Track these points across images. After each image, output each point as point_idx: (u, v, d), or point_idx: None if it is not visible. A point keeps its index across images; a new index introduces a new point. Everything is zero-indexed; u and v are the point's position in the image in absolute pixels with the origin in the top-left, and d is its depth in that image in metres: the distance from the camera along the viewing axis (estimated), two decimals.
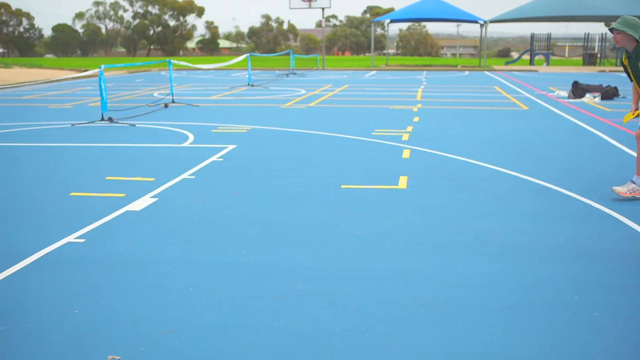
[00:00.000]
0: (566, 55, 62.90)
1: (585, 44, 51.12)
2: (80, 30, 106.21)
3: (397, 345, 3.75)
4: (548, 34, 49.76)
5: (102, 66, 13.86)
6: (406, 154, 9.74)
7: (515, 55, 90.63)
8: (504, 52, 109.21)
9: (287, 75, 33.81)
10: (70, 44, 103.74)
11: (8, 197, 7.28)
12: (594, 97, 18.45)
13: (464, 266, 4.98)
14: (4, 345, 3.80)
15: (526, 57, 54.17)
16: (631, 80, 6.92)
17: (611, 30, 6.68)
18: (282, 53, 42.36)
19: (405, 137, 11.40)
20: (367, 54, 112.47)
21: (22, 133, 12.27)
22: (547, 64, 48.65)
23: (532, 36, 49.82)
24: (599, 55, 50.07)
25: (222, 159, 9.36)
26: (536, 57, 50.08)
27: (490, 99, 19.18)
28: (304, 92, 22.27)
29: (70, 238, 5.74)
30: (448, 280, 4.72)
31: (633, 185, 6.90)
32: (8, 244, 5.61)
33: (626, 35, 6.63)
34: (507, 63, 52.18)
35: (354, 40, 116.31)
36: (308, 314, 4.17)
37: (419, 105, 17.17)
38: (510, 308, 4.24)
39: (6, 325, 4.06)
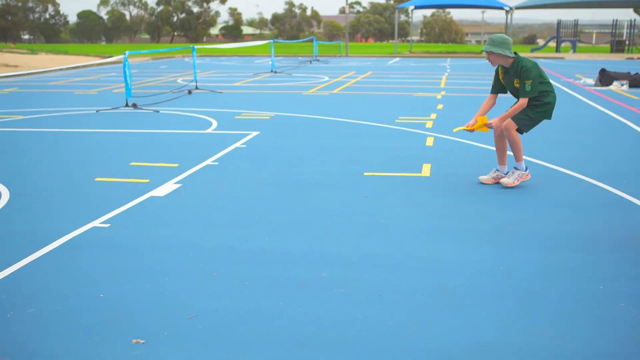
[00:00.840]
0: (593, 42, 61.99)
1: (613, 30, 50.29)
2: (105, 17, 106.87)
3: (419, 333, 3.75)
4: (575, 21, 49.05)
5: (127, 52, 13.94)
6: (430, 141, 9.69)
7: (541, 42, 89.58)
8: (529, 39, 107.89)
9: (310, 62, 33.75)
10: (95, 30, 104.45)
11: (35, 182, 7.37)
12: (622, 85, 18.17)
13: (487, 255, 4.95)
14: (31, 328, 3.86)
15: (552, 44, 53.49)
16: (493, 92, 7.11)
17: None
18: (305, 40, 42.25)
19: (429, 124, 11.33)
20: (390, 41, 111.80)
21: (48, 119, 12.41)
22: (574, 51, 47.99)
23: (559, 23, 49.13)
24: (627, 42, 49.27)
25: (245, 146, 9.39)
26: (562, 44, 49.42)
27: None
28: (327, 79, 22.22)
29: (96, 223, 5.81)
30: (471, 268, 4.70)
31: (518, 171, 6.96)
32: (35, 228, 5.69)
33: (498, 55, 6.63)
34: (532, 50, 51.55)
35: (378, 27, 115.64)
36: (330, 301, 4.19)
37: (443, 93, 17.05)
38: (533, 297, 4.21)
39: (33, 308, 4.13)
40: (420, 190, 6.86)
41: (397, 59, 39.79)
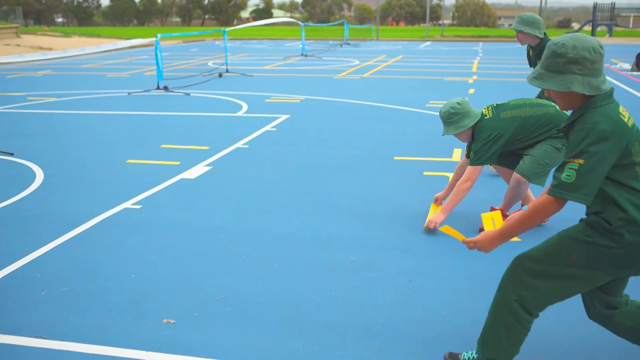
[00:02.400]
0: (630, 26, 60.61)
1: None
2: (137, 0, 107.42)
3: (448, 318, 3.73)
4: (612, 4, 48.01)
5: (158, 35, 14.01)
6: None
7: (576, 26, 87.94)
8: (564, 22, 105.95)
9: (341, 45, 33.60)
10: (126, 13, 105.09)
11: (68, 163, 7.47)
12: None
13: (519, 242, 4.90)
14: (64, 306, 3.93)
15: (587, 27, 52.47)
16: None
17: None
18: (335, 23, 42.04)
19: None
20: (422, 25, 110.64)
21: (81, 101, 12.55)
22: (610, 35, 47.05)
23: (595, 6, 48.14)
24: None
25: (275, 129, 9.40)
26: (598, 28, 48.44)
27: None
28: (357, 62, 22.10)
29: (127, 204, 5.87)
30: (501, 255, 4.65)
31: None
32: (67, 209, 5.78)
33: (527, 34, 6.09)
34: (566, 34, 50.62)
35: (409, 10, 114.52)
36: (359, 285, 4.18)
37: (475, 77, 16.86)
38: None
39: (66, 287, 4.19)
40: (451, 175, 6.80)
41: (428, 42, 39.41)
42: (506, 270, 2.95)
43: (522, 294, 2.85)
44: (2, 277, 4.34)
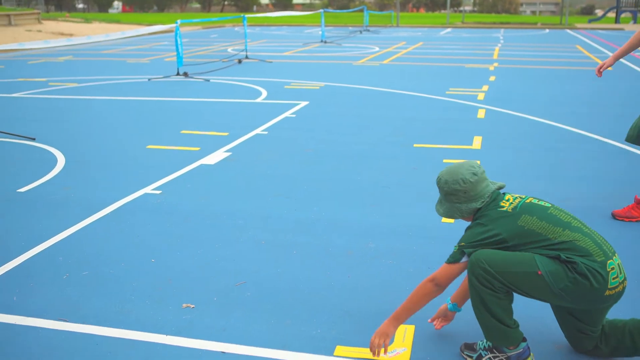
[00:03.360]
0: None
1: None
2: None
3: (466, 306, 3.71)
4: None
5: (178, 21, 14.02)
6: (481, 113, 9.52)
7: (599, 12, 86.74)
8: (587, 9, 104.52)
9: (361, 32, 33.43)
10: (147, 0, 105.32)
11: (89, 148, 7.53)
12: None
13: None
14: (85, 290, 3.97)
15: (611, 14, 51.71)
16: None
17: None
18: (355, 9, 41.82)
19: (481, 96, 11.13)
20: (442, 11, 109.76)
21: (102, 86, 12.62)
22: (635, 22, 46.33)
23: None
24: None
25: (294, 115, 9.39)
26: (622, 15, 47.71)
27: (572, 59, 18.47)
28: (377, 49, 21.99)
29: (147, 189, 5.91)
30: None
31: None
32: (89, 194, 5.82)
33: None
34: (590, 21, 49.98)
35: None
36: (378, 272, 4.18)
37: (496, 64, 16.70)
38: None
39: (87, 271, 4.23)
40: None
41: (449, 29, 39.08)
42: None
43: (482, 265, 2.92)
44: (25, 260, 4.39)
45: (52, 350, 3.31)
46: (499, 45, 24.69)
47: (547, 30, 37.89)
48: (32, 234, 4.85)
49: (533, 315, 3.60)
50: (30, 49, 20.69)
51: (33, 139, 7.90)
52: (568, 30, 37.76)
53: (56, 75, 14.40)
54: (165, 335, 3.43)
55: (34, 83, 13.19)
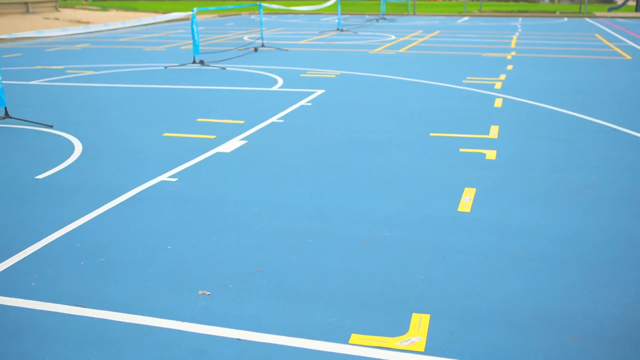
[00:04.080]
0: None
1: None
2: None
3: (483, 296, 3.70)
4: None
5: (195, 9, 14.02)
6: (498, 102, 9.45)
7: (619, 1, 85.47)
8: None
9: (377, 20, 33.24)
10: None
11: (106, 136, 7.57)
12: None
13: (556, 219, 4.83)
14: (102, 276, 4.00)
15: (632, 2, 51.00)
16: None
17: None
18: None
19: (498, 85, 11.05)
20: None
21: (118, 74, 12.67)
22: None
23: None
24: None
25: (310, 104, 9.38)
26: None
27: (591, 47, 18.27)
28: (393, 37, 21.87)
29: (164, 177, 5.93)
30: (539, 232, 4.60)
31: None
32: (106, 181, 5.86)
33: None
34: (610, 9, 49.33)
35: None
36: (393, 261, 4.18)
37: (513, 53, 16.56)
38: (604, 264, 4.10)
39: (104, 257, 4.27)
40: (488, 152, 6.72)
41: (466, 18, 38.76)
42: None
43: None
44: (44, 246, 4.43)
45: (69, 335, 3.35)
46: (517, 33, 24.46)
47: (566, 19, 37.47)
48: (50, 221, 4.89)
49: (548, 306, 3.59)
50: (48, 36, 20.80)
51: (50, 126, 7.96)
52: (587, 19, 37.32)
53: (73, 63, 14.47)
54: (181, 322, 3.45)
55: (52, 71, 13.26)
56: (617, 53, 16.82)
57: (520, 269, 4.03)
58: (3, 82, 8.57)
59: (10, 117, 8.19)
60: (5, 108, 8.21)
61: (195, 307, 3.61)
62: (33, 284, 3.91)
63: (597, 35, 23.74)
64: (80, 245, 4.46)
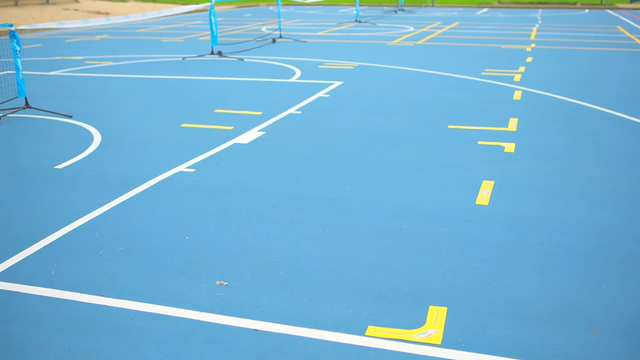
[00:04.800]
0: None
1: None
2: None
3: (500, 289, 3.69)
4: None
5: (213, 0, 14.03)
6: (517, 95, 9.37)
7: None
8: None
9: (395, 11, 33.08)
10: None
11: (124, 126, 7.61)
12: None
13: (575, 213, 4.79)
14: (120, 265, 4.03)
15: None
16: None
17: None
18: None
19: (517, 77, 10.95)
20: None
21: (137, 65, 12.72)
22: None
23: None
24: None
25: (328, 95, 9.36)
26: None
27: (612, 40, 18.06)
28: (412, 29, 21.76)
29: (182, 167, 5.96)
30: (557, 226, 4.56)
31: None
32: (124, 171, 5.89)
33: None
34: (632, 1, 48.72)
35: None
36: (410, 253, 4.17)
37: (533, 45, 16.41)
38: (624, 259, 4.06)
39: (122, 246, 4.30)
40: (507, 145, 6.67)
41: (485, 9, 38.46)
42: None
43: None
44: (63, 236, 4.47)
45: (88, 324, 3.38)
46: (537, 25, 24.23)
47: (587, 11, 37.05)
48: (69, 210, 4.93)
49: (566, 300, 3.56)
50: (69, 27, 20.93)
51: (70, 117, 8.01)
52: (609, 11, 36.87)
53: (92, 54, 14.55)
54: (198, 312, 3.47)
55: (71, 61, 13.35)
56: (639, 45, 16.61)
57: (539, 263, 4.00)
58: (24, 72, 8.64)
59: (31, 107, 8.26)
60: (26, 98, 8.28)
61: (212, 297, 3.63)
62: (52, 272, 3.95)
63: (618, 27, 23.46)
64: (99, 234, 4.49)
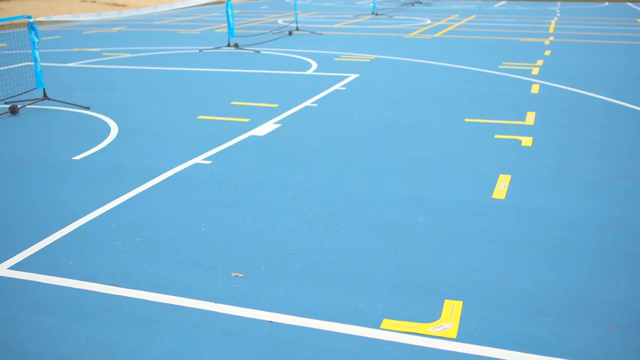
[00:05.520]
0: None
1: None
2: None
3: (516, 284, 3.67)
4: None
5: None
6: (535, 88, 9.30)
7: None
8: None
9: (413, 4, 32.91)
10: None
11: (141, 118, 7.64)
12: None
13: (593, 207, 4.75)
14: (137, 256, 4.06)
15: None
16: None
17: None
18: None
19: (535, 71, 10.87)
20: None
21: (153, 57, 12.76)
22: None
23: None
24: None
25: (344, 88, 9.34)
26: None
27: (632, 33, 17.85)
28: (429, 21, 21.64)
29: (198, 159, 5.98)
30: (574, 221, 4.53)
31: None
32: (141, 163, 5.92)
33: None
34: None
35: None
36: (426, 246, 4.16)
37: (552, 38, 16.26)
38: None
39: (139, 237, 4.32)
40: (523, 138, 6.62)
41: (503, 2, 38.16)
42: None
43: None
44: (80, 226, 4.51)
45: (104, 313, 3.41)
46: (556, 18, 24.01)
47: (607, 3, 36.64)
48: (87, 201, 4.97)
49: (583, 296, 3.54)
50: (84, 20, 21.03)
51: (87, 108, 8.06)
52: (629, 4, 36.43)
53: (110, 46, 14.61)
54: (214, 303, 3.49)
55: (89, 53, 13.42)
56: None
57: (555, 258, 3.98)
58: (42, 64, 8.70)
59: (49, 99, 8.32)
60: (44, 90, 8.34)
61: (228, 288, 3.64)
62: (70, 262, 3.98)
63: (639, 20, 23.19)
64: (115, 225, 4.52)
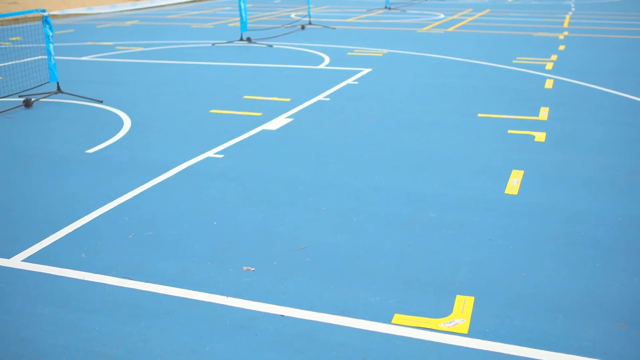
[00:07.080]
0: None
1: None
2: None
3: (528, 280, 3.65)
4: None
5: None
6: (549, 84, 9.24)
7: None
8: None
9: None
10: None
11: (154, 111, 7.67)
12: None
13: (605, 204, 4.72)
14: (149, 250, 4.07)
15: None
16: None
17: None
18: None
19: (549, 66, 10.79)
20: None
21: (166, 51, 12.79)
22: None
23: None
24: None
25: (357, 83, 9.32)
26: None
27: None
28: (442, 16, 21.54)
29: (210, 153, 5.99)
30: (587, 217, 4.50)
31: None
32: (153, 156, 5.95)
33: None
34: None
35: None
36: (438, 242, 4.14)
37: (566, 33, 16.15)
38: None
39: (151, 231, 4.34)
40: (537, 134, 6.59)
41: None
42: None
43: None
44: (93, 220, 4.53)
45: (116, 306, 3.43)
46: (570, 13, 23.82)
47: None
48: (99, 194, 5.00)
49: (595, 292, 3.52)
50: (98, 13, 21.11)
51: (101, 102, 8.09)
52: None
53: (123, 39, 14.66)
54: (225, 297, 3.50)
55: (102, 47, 13.47)
56: None
57: (568, 254, 3.96)
58: (56, 57, 8.74)
59: (62, 92, 8.36)
60: (58, 83, 8.38)
61: (239, 282, 3.65)
62: (82, 255, 4.01)
63: None
64: (128, 219, 4.54)
